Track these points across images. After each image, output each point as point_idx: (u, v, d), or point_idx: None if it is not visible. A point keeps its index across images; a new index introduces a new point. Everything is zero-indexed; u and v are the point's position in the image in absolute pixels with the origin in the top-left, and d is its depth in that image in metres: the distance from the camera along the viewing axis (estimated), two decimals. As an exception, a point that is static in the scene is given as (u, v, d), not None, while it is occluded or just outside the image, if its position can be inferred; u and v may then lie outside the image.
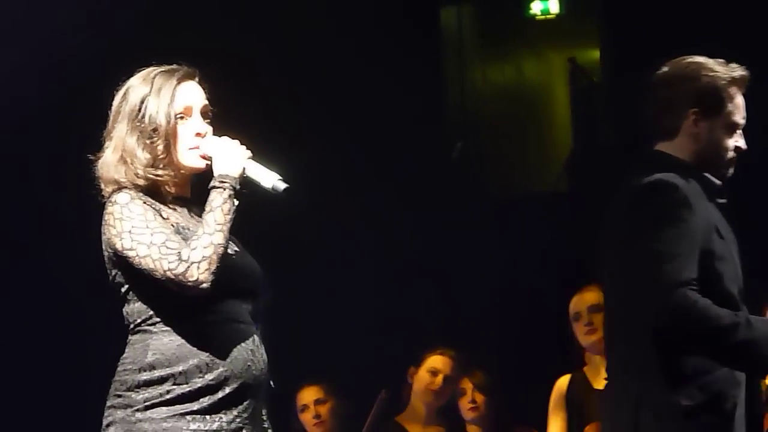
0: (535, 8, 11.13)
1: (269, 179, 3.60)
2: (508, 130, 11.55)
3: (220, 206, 3.52)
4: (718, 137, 4.10)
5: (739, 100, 4.11)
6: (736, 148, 4.11)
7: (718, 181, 4.10)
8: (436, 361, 6.23)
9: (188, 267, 3.44)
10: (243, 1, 7.48)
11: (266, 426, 3.65)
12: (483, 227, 8.30)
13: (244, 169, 3.60)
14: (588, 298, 5.88)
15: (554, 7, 11.08)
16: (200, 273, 3.44)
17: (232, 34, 7.04)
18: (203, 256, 3.45)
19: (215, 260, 3.46)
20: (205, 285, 3.45)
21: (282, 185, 3.59)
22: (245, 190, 3.59)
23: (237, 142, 3.63)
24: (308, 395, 6.54)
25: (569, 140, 10.85)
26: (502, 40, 11.97)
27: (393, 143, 8.38)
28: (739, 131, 4.12)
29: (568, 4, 11.14)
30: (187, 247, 3.47)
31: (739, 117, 4.11)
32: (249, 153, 3.63)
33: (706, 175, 4.08)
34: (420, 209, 8.27)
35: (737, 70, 4.13)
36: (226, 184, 3.54)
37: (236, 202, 3.55)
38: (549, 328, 6.06)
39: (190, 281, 3.44)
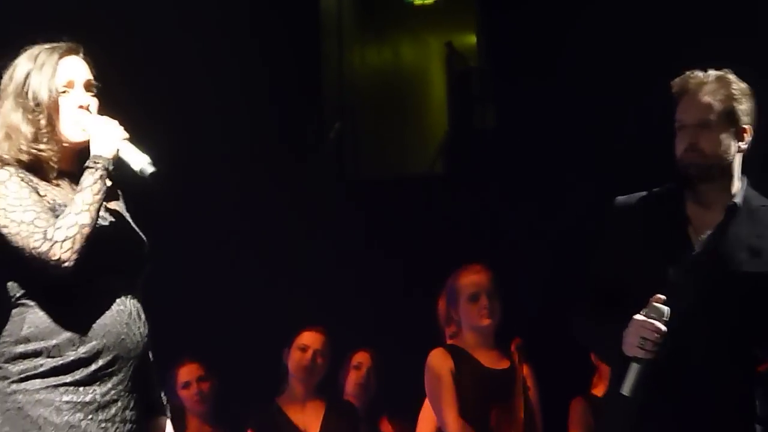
0: (414, -7, 11.26)
1: (139, 162, 3.59)
2: (385, 111, 11.63)
3: (90, 186, 3.52)
4: None
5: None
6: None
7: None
8: (305, 337, 6.25)
9: (51, 245, 3.43)
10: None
11: (145, 397, 3.65)
12: (358, 207, 8.34)
13: (118, 150, 3.60)
14: (482, 280, 5.83)
15: (432, -7, 11.21)
16: (63, 252, 3.44)
17: (112, 8, 6.97)
18: (66, 236, 3.45)
19: (79, 240, 3.45)
20: (67, 264, 3.44)
21: (149, 169, 3.58)
22: (116, 171, 3.59)
23: (116, 122, 3.63)
24: (190, 372, 6.54)
25: (445, 123, 10.95)
26: (380, 24, 12.05)
27: (271, 124, 8.39)
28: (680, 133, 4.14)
29: (446, -10, 11.26)
30: (52, 226, 3.47)
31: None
32: (125, 135, 3.63)
33: None
34: (296, 190, 8.29)
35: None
36: (99, 165, 3.54)
37: (108, 183, 3.56)
38: (424, 304, 6.08)
39: (52, 260, 3.43)
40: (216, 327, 7.13)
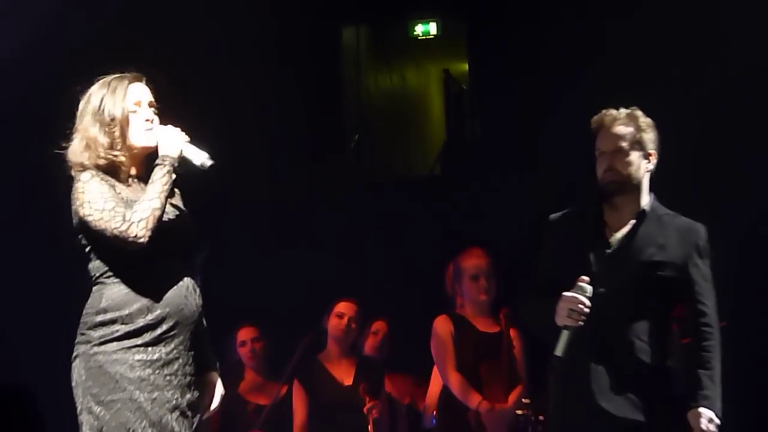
0: (418, 30, 11.26)
1: (199, 158, 3.67)
2: (394, 125, 11.61)
3: (159, 179, 3.59)
4: None
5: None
6: None
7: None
8: (341, 306, 6.24)
9: (129, 225, 3.49)
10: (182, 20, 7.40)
11: (200, 355, 3.67)
12: (373, 203, 8.33)
13: (181, 150, 3.66)
14: (482, 263, 5.86)
15: (433, 30, 11.21)
16: (138, 230, 3.49)
17: (169, 45, 6.97)
18: (141, 217, 3.50)
19: (152, 220, 3.51)
20: (142, 240, 3.49)
21: (208, 162, 3.66)
22: (181, 170, 3.65)
23: (177, 129, 3.71)
24: (246, 334, 6.52)
25: (443, 134, 10.93)
26: (390, 55, 12.01)
27: (302, 136, 8.40)
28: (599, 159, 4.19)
29: (444, 28, 11.24)
30: (129, 210, 3.53)
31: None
32: (186, 137, 3.70)
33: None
34: (324, 189, 8.29)
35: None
36: (167, 162, 3.62)
37: (174, 176, 3.62)
38: (429, 282, 6.09)
39: (130, 237, 3.48)
40: (268, 298, 7.14)
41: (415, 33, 11.28)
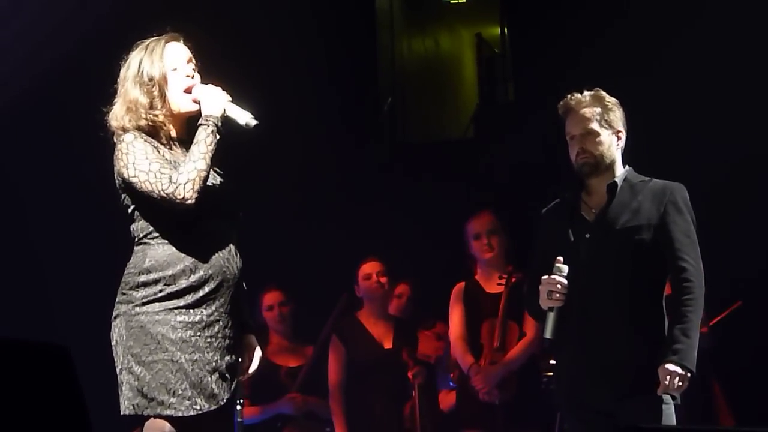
0: (450, -6, 11.19)
1: (243, 117, 3.62)
2: (428, 89, 11.57)
3: (203, 139, 3.55)
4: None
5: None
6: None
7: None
8: (365, 268, 6.23)
9: (177, 187, 3.46)
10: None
11: (239, 318, 3.66)
12: (406, 164, 8.31)
13: (224, 109, 3.63)
14: (485, 222, 5.89)
15: (465, -7, 11.14)
16: (186, 192, 3.46)
17: (203, 13, 6.96)
18: (188, 179, 3.47)
19: (198, 182, 3.48)
20: (189, 201, 3.47)
21: (253, 122, 3.61)
22: (224, 130, 3.61)
23: (219, 88, 3.67)
24: (273, 298, 6.46)
25: (475, 98, 10.88)
26: (423, 19, 11.97)
27: (338, 100, 8.37)
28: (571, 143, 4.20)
29: (476, -9, 11.18)
30: (176, 172, 3.50)
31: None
32: (228, 97, 3.66)
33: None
34: (357, 151, 8.28)
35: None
36: (210, 122, 3.57)
37: (218, 137, 3.58)
38: (459, 245, 6.08)
39: (178, 198, 3.46)
40: (295, 262, 7.12)
41: (447, -3, 11.23)
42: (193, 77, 3.68)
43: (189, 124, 3.69)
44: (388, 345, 6.07)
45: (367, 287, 6.15)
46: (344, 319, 6.21)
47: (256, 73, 6.91)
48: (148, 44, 3.69)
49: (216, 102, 3.61)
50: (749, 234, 6.56)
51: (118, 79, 3.70)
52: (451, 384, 6.22)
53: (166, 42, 3.70)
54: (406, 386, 5.97)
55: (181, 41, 3.74)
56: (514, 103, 9.39)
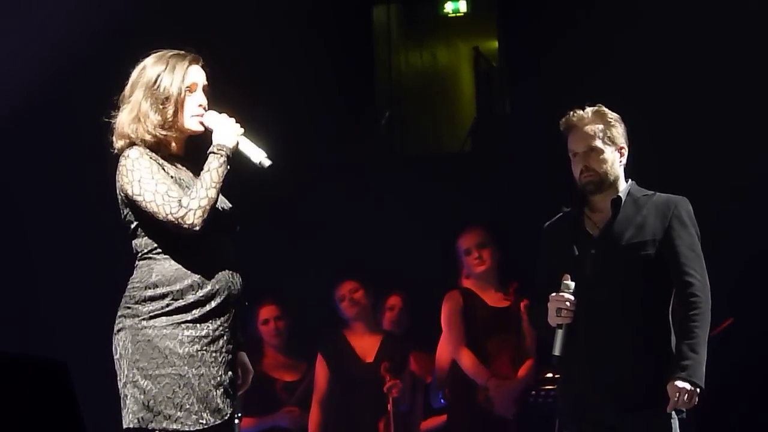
0: (448, 7, 11.16)
1: (257, 155, 3.62)
2: (425, 102, 11.57)
3: (216, 168, 3.53)
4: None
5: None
6: None
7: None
8: (342, 289, 6.25)
9: (186, 212, 3.46)
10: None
11: (238, 336, 3.66)
12: (403, 178, 8.29)
13: (237, 142, 3.61)
14: (474, 236, 5.92)
15: (463, 7, 11.11)
16: (195, 218, 3.46)
17: (200, 25, 6.95)
18: (199, 206, 3.47)
19: (207, 210, 3.48)
20: (197, 228, 3.47)
21: (267, 162, 3.62)
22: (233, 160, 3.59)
23: (233, 119, 3.65)
24: (269, 312, 6.47)
25: (473, 111, 10.88)
26: (421, 32, 11.96)
27: (336, 112, 8.37)
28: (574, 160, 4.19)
29: (474, 5, 11.16)
30: (186, 196, 3.49)
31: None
32: (242, 130, 3.64)
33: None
34: (354, 164, 8.26)
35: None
36: (223, 152, 3.56)
37: (228, 167, 3.57)
38: (455, 258, 6.07)
39: (186, 224, 3.46)
40: (290, 277, 7.10)
41: (445, 11, 11.19)
42: (204, 107, 3.65)
43: (188, 142, 3.69)
44: (369, 359, 6.08)
45: (343, 308, 6.19)
46: (330, 336, 6.22)
47: (252, 87, 6.90)
48: (169, 58, 3.64)
49: (229, 133, 3.60)
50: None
51: (129, 82, 3.65)
52: (442, 402, 6.19)
53: (190, 63, 3.65)
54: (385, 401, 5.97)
55: (201, 64, 3.70)
56: (512, 116, 9.39)
